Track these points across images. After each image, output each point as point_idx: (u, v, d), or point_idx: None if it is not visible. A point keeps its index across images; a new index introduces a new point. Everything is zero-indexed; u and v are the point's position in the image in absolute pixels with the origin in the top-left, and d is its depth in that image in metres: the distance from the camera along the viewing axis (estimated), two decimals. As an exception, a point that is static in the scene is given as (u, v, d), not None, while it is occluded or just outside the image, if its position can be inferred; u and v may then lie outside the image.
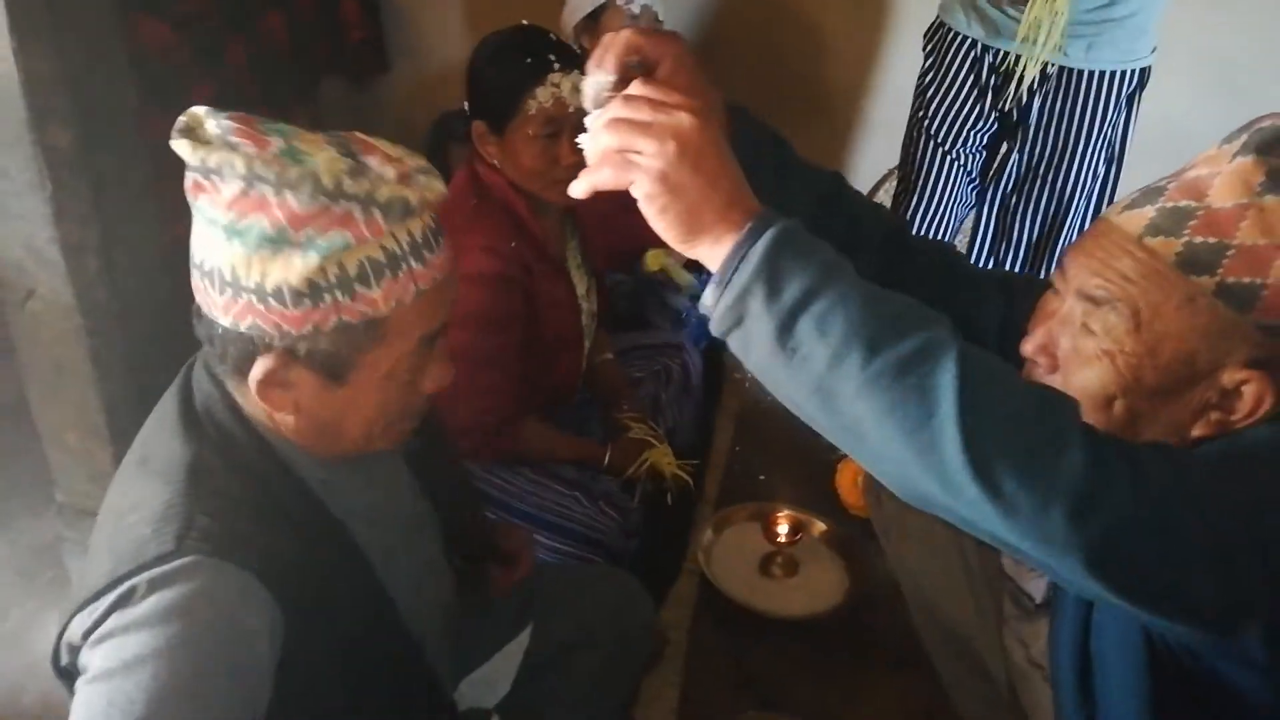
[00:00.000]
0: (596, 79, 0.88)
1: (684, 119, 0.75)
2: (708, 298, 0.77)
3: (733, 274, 0.75)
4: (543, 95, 1.64)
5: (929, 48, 2.21)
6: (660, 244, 0.80)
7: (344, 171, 0.83)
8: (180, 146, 0.83)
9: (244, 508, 0.91)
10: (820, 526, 2.07)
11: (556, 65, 1.65)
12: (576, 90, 1.66)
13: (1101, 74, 2.05)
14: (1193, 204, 0.86)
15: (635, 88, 0.80)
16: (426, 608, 1.14)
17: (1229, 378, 0.87)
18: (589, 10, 2.36)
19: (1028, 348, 0.97)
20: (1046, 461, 0.71)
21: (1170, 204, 0.87)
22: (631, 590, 1.60)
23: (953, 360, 0.71)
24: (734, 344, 0.78)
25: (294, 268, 0.83)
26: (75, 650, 0.88)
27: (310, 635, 0.93)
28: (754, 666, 1.80)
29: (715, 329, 0.77)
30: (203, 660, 0.82)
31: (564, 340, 1.87)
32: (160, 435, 0.96)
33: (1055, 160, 2.13)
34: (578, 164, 1.80)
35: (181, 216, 2.38)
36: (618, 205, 2.30)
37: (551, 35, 1.71)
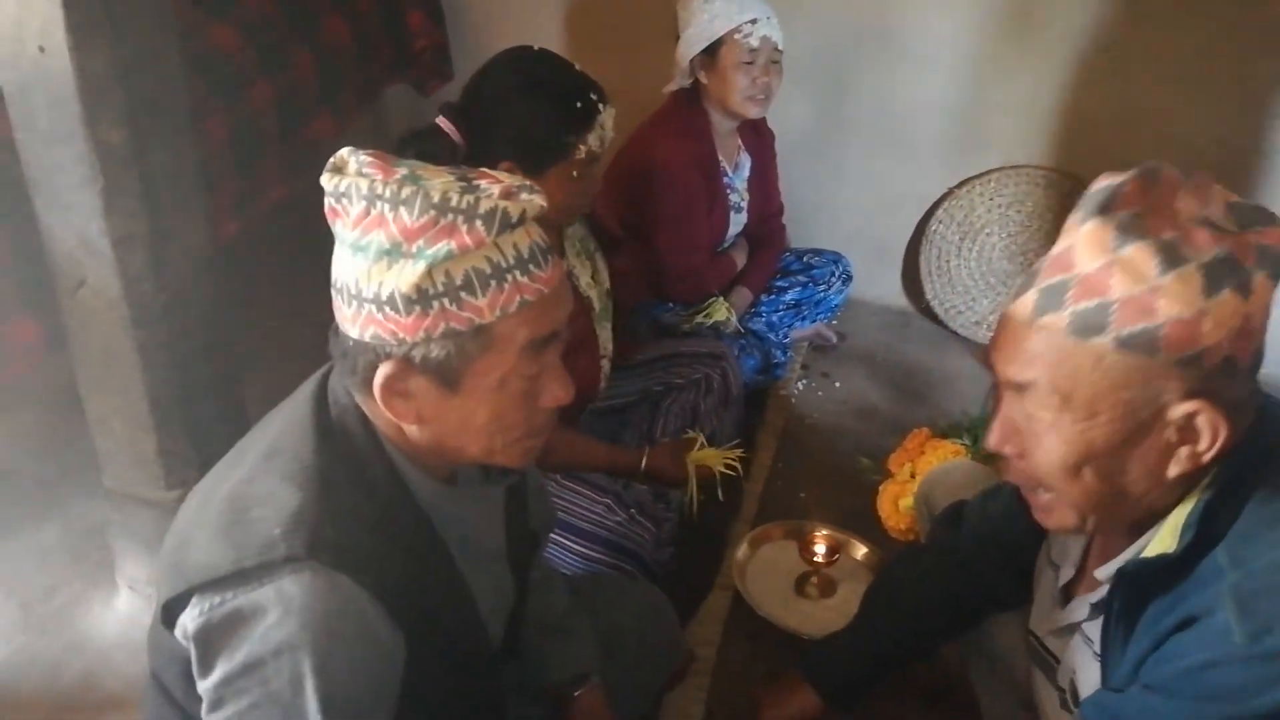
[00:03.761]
0: None
1: None
2: None
3: None
4: (593, 140, 1.62)
5: None
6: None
7: (453, 189, 0.89)
8: (324, 179, 0.92)
9: (368, 526, 0.95)
10: (861, 549, 2.02)
11: (600, 105, 1.62)
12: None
13: None
14: (1065, 276, 0.92)
15: None
16: (496, 621, 1.18)
17: (1176, 413, 0.91)
18: (706, 45, 2.26)
19: (992, 444, 1.04)
20: None
21: (1046, 282, 0.94)
22: (657, 604, 1.58)
23: None
24: None
25: (405, 276, 0.89)
26: (187, 630, 0.92)
27: (420, 650, 0.97)
28: (783, 688, 1.76)
29: None
30: (334, 655, 0.88)
31: (577, 346, 1.82)
32: (292, 435, 0.99)
33: None
34: (595, 192, 1.76)
35: (233, 217, 2.43)
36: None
37: (577, 67, 1.65)
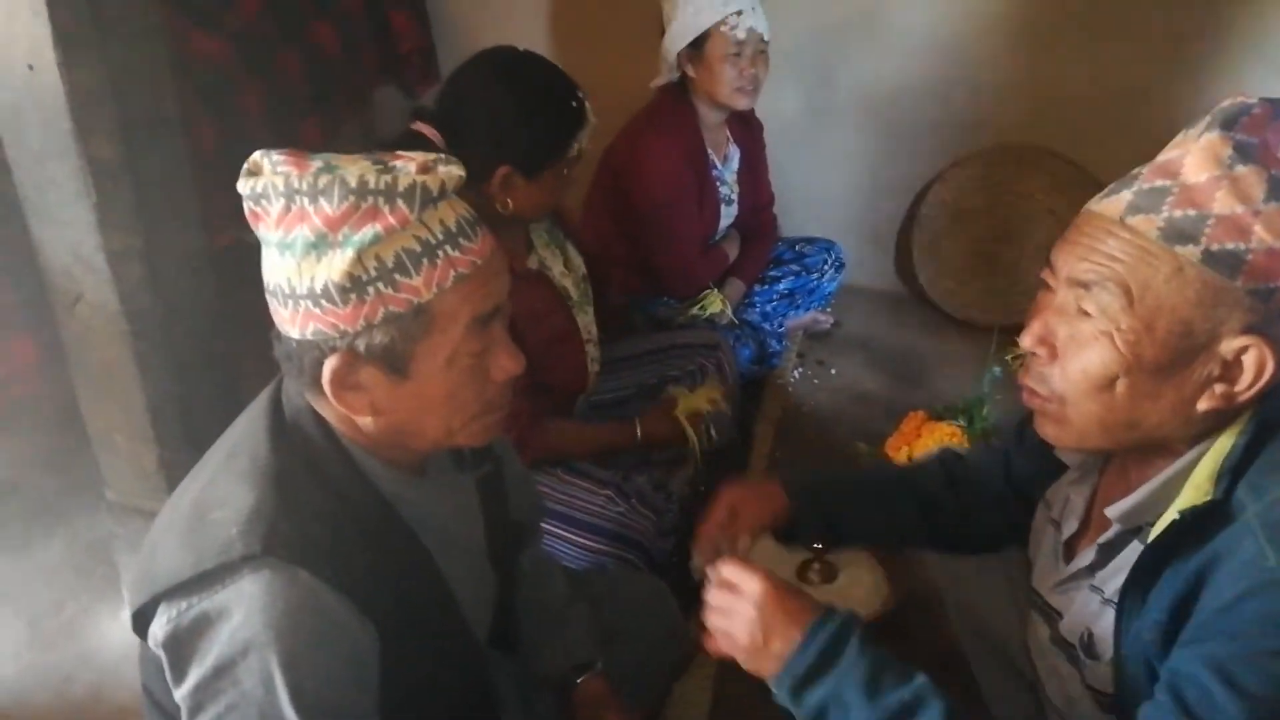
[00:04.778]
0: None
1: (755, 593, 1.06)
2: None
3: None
4: (583, 136, 1.65)
5: None
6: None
7: (370, 172, 0.89)
8: (240, 184, 0.91)
9: (326, 520, 0.95)
10: (860, 533, 2.03)
11: (587, 101, 1.65)
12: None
13: None
14: (1167, 182, 0.91)
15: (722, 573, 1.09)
16: (479, 611, 1.19)
17: (1228, 347, 0.90)
18: (692, 38, 2.27)
19: (1026, 341, 1.01)
20: None
21: (1146, 185, 0.93)
22: (659, 594, 1.60)
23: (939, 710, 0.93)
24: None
25: (336, 266, 0.88)
26: (158, 638, 0.92)
27: (397, 640, 0.97)
28: (789, 674, 1.77)
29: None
30: (299, 649, 0.89)
31: (559, 339, 1.85)
32: (250, 438, 1.00)
33: None
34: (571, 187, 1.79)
35: (227, 227, 2.45)
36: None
37: (557, 66, 1.67)
